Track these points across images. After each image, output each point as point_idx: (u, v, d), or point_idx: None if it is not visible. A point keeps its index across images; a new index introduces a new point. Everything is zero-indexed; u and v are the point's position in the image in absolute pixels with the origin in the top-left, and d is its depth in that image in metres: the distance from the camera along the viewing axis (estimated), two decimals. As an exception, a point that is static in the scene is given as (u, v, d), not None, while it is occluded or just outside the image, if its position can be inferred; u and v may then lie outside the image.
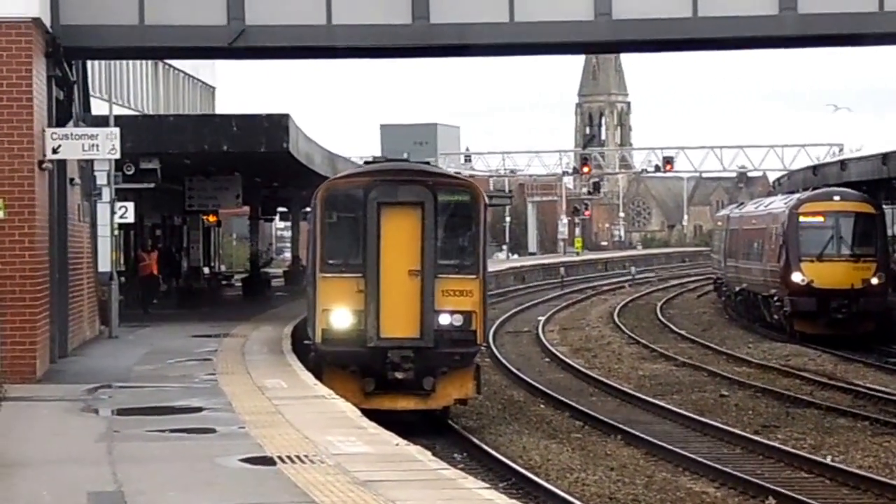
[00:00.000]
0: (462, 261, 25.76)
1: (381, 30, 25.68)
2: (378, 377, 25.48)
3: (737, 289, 54.89)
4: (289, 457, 14.76)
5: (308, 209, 36.89)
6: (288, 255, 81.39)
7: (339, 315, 25.49)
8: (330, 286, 25.63)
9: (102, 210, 32.10)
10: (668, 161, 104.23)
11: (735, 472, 22.07)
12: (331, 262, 25.79)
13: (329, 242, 25.88)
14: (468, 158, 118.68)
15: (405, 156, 50.79)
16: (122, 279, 36.77)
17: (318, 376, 24.11)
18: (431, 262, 25.30)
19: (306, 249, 37.95)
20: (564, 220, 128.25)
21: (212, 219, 55.31)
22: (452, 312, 25.39)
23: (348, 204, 25.84)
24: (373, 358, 25.31)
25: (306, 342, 28.11)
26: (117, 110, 34.70)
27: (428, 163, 29.93)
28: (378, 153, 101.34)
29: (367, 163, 29.59)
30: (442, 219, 25.64)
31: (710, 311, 61.45)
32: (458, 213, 25.86)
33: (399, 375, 25.26)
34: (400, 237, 25.45)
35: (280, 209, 68.87)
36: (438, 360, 25.47)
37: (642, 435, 25.85)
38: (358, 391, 25.17)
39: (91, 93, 33.53)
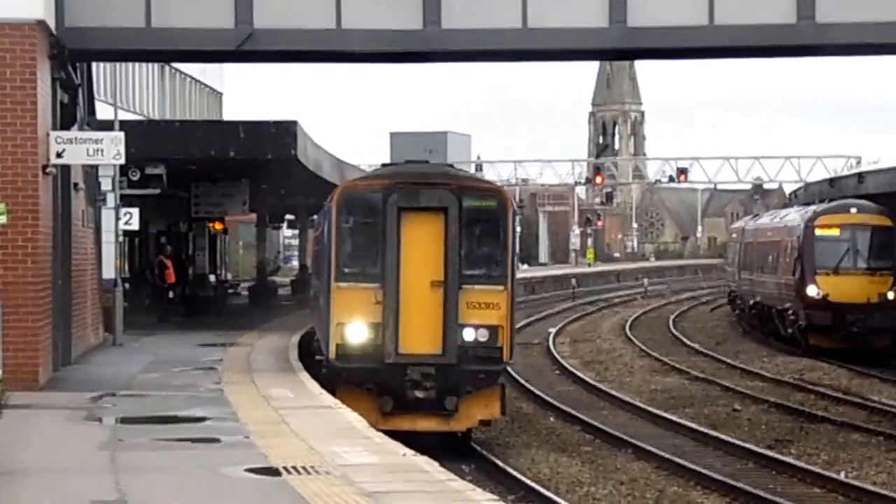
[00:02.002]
0: (489, 271, 24.12)
1: (392, 35, 25.31)
2: (397, 396, 23.98)
3: (751, 302, 54.56)
4: (294, 467, 14.51)
5: (315, 216, 36.37)
6: (295, 263, 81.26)
7: (355, 328, 23.96)
8: (345, 297, 24.06)
9: (107, 216, 31.82)
10: (683, 172, 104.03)
11: (747, 488, 21.77)
12: (346, 270, 24.18)
13: (345, 250, 24.27)
14: (479, 167, 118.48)
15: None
16: (127, 286, 36.53)
17: (332, 394, 22.60)
18: (455, 271, 23.82)
19: (311, 257, 37.36)
20: (576, 230, 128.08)
21: (218, 226, 55.00)
22: (478, 327, 23.88)
23: (366, 208, 24.23)
24: (391, 375, 23.84)
25: (318, 357, 26.81)
26: (122, 115, 34.45)
27: (451, 166, 27.25)
28: (388, 161, 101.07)
29: (384, 165, 27.49)
30: (467, 225, 24.06)
31: (723, 324, 61.16)
32: (485, 220, 24.29)
33: (419, 394, 23.79)
34: (422, 245, 23.99)
35: (288, 217, 68.67)
36: (462, 378, 23.94)
37: (653, 449, 25.56)
38: (375, 411, 23.59)
39: (96, 97, 33.23)
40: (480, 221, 24.25)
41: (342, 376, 24.20)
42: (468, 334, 23.83)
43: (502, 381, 25.19)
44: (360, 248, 24.21)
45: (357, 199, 24.41)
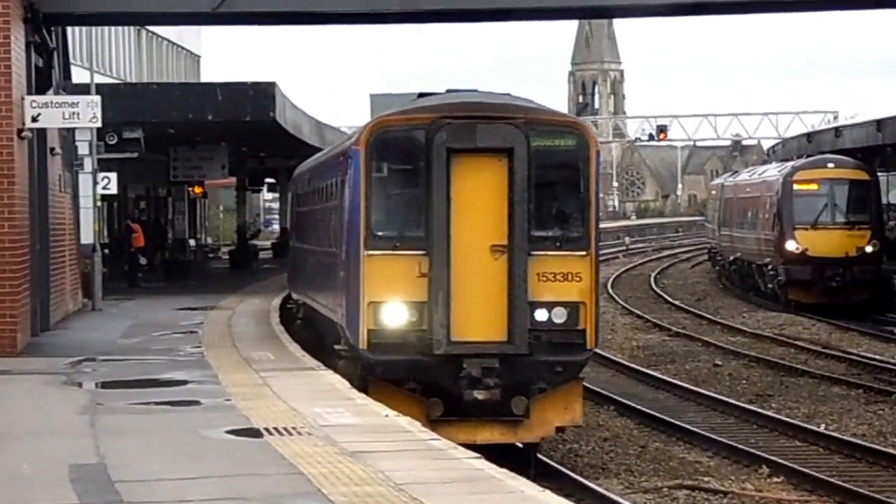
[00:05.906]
0: (566, 232, 18.74)
1: (368, -6, 25.17)
2: (449, 398, 18.68)
3: (731, 258, 54.71)
4: (276, 428, 14.43)
5: (293, 178, 35.66)
6: (276, 226, 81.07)
7: (393, 310, 18.59)
8: (379, 269, 18.62)
9: (84, 181, 31.62)
10: (662, 130, 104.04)
11: (728, 442, 21.86)
12: (380, 234, 18.70)
13: (378, 207, 18.78)
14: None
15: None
16: (106, 251, 36.40)
17: (362, 393, 17.71)
18: (524, 233, 18.46)
19: (291, 218, 36.47)
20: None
21: (197, 190, 54.86)
22: (553, 305, 18.56)
23: (405, 151, 18.74)
24: (441, 371, 18.53)
25: (337, 347, 20.91)
26: (99, 79, 34.17)
27: (508, 94, 20.36)
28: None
29: (422, 95, 20.41)
30: (539, 172, 18.61)
31: (704, 280, 61.31)
32: (562, 165, 18.88)
33: (479, 395, 18.43)
34: (479, 198, 18.59)
35: (268, 180, 68.53)
36: (534, 372, 18.64)
37: (635, 405, 25.59)
38: (420, 416, 17.53)
39: (71, 61, 33.03)
40: (556, 167, 18.90)
41: (376, 372, 18.92)
42: (541, 315, 18.60)
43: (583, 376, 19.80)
44: (398, 205, 18.96)
45: (393, 140, 18.82)
